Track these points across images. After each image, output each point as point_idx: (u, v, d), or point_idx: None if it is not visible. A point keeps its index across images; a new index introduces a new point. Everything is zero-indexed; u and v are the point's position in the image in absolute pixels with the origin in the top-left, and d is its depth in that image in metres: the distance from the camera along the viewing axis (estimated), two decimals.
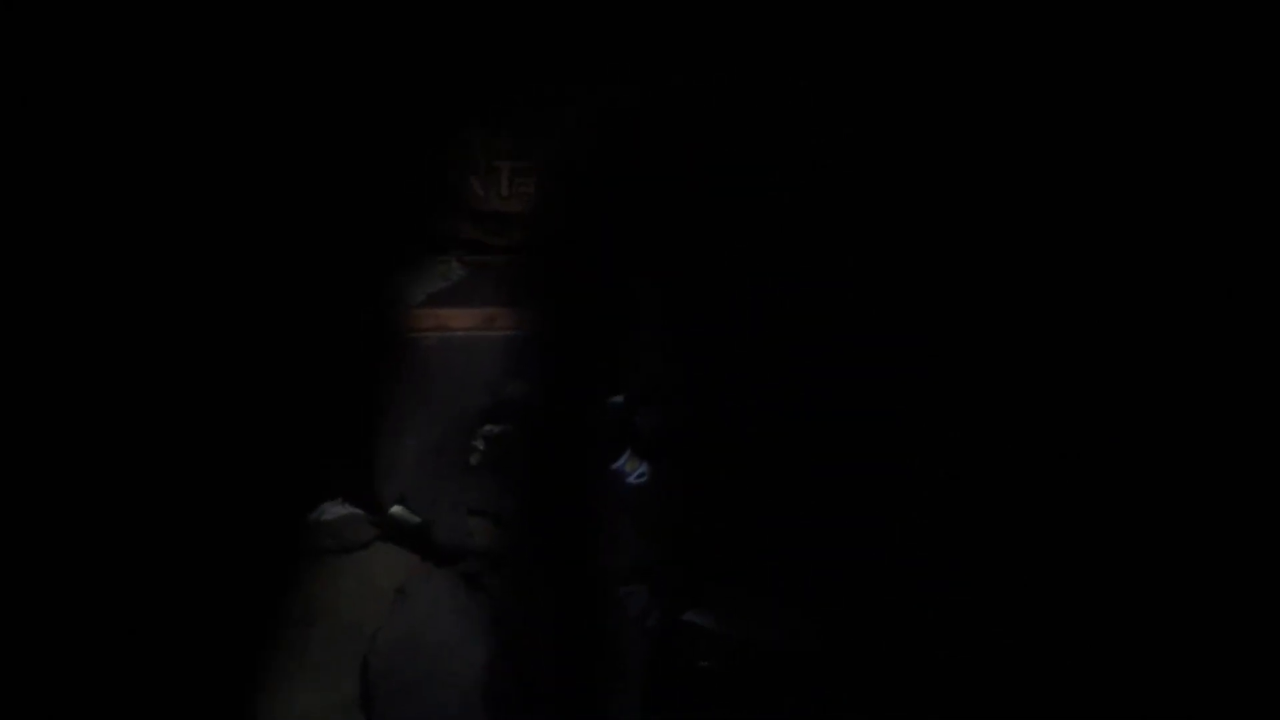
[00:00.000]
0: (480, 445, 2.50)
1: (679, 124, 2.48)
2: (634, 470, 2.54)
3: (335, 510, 2.41)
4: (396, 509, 2.46)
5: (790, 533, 2.46)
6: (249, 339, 2.35)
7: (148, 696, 2.18)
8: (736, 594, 2.52)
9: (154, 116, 2.26)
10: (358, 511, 2.42)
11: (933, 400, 2.42)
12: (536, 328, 2.52)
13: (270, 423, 2.31)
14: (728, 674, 2.45)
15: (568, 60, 2.45)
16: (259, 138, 2.34)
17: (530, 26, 2.44)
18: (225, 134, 2.32)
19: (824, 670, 2.44)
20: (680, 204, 2.48)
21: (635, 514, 2.54)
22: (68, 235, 2.19)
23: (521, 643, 2.43)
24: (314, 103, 2.39)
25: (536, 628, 2.46)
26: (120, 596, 2.20)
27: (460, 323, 2.53)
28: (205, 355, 2.33)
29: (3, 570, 2.11)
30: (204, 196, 2.31)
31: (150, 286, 2.28)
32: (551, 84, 2.45)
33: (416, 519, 2.46)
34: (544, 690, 2.44)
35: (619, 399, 2.59)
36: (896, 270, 2.44)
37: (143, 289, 2.27)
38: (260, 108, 2.34)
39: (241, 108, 2.32)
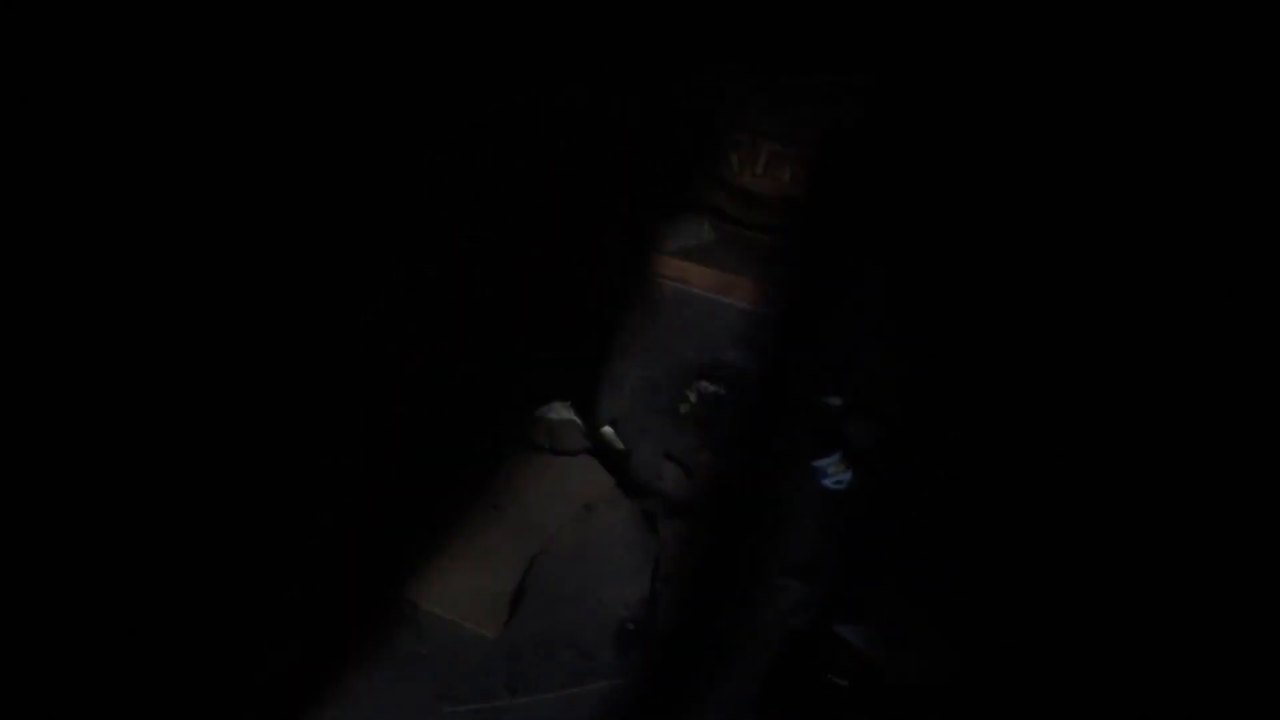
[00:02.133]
0: (692, 398, 2.69)
1: (939, 132, 2.72)
2: (836, 474, 2.61)
3: (558, 412, 2.63)
4: (607, 429, 2.65)
5: (968, 565, 2.45)
6: (518, 251, 2.71)
7: (343, 546, 2.35)
8: (890, 614, 2.44)
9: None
10: (575, 420, 2.63)
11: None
12: (769, 307, 2.72)
13: (518, 321, 2.58)
14: (855, 697, 2.32)
15: (843, 54, 2.75)
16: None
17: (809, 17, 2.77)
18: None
19: (955, 708, 2.30)
20: (929, 214, 2.68)
21: (821, 515, 2.59)
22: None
23: (668, 596, 2.44)
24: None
25: (688, 586, 2.48)
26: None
27: (700, 280, 2.79)
28: (487, 260, 2.70)
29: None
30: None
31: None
32: (826, 76, 2.76)
33: (621, 445, 2.63)
34: (672, 648, 2.40)
35: (836, 400, 2.70)
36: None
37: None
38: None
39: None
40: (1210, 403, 2.49)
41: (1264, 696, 2.12)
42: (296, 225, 2.59)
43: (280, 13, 2.52)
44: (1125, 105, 2.79)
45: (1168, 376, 2.56)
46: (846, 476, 2.61)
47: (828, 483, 2.61)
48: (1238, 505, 2.38)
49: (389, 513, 2.42)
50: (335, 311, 2.63)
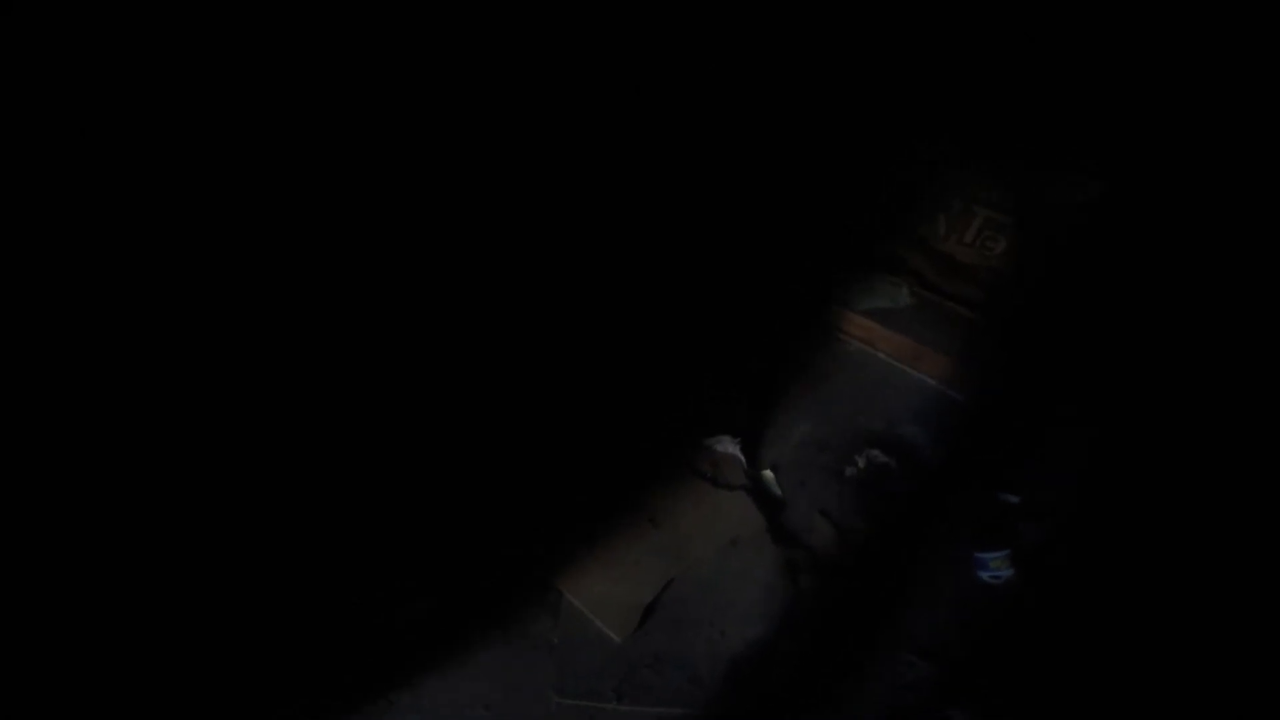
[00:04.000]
0: (861, 463, 2.70)
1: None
2: (997, 569, 2.55)
3: (726, 445, 2.77)
4: (768, 474, 2.75)
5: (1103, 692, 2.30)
6: (711, 284, 2.81)
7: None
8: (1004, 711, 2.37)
9: None
10: (740, 457, 2.75)
11: None
12: (958, 387, 2.66)
13: (702, 353, 2.69)
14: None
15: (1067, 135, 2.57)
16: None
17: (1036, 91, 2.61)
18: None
19: None
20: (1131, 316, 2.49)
21: (969, 606, 2.54)
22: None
23: (792, 645, 2.48)
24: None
25: (811, 641, 2.51)
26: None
27: (888, 345, 2.72)
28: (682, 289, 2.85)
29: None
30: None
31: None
32: (1052, 149, 2.59)
33: (779, 491, 2.71)
34: (780, 697, 2.42)
35: (1013, 499, 2.62)
36: None
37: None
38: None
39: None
40: None
41: None
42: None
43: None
44: None
45: None
46: (1006, 573, 2.54)
47: (985, 575, 2.55)
48: None
49: (553, 505, 2.65)
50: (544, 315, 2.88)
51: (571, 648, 2.41)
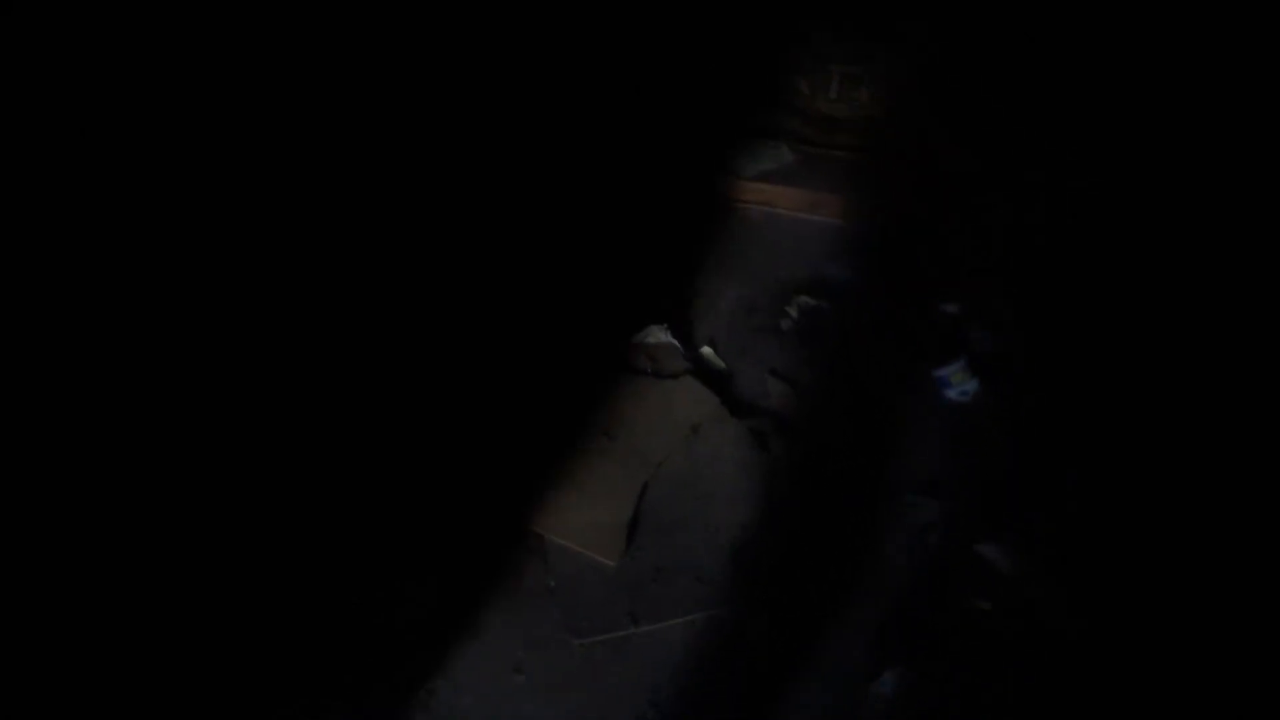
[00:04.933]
0: (793, 313, 2.62)
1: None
2: (960, 384, 2.50)
3: (657, 335, 2.61)
4: (706, 349, 2.62)
5: (1106, 496, 2.30)
6: (603, 184, 2.67)
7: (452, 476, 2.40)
8: (1031, 543, 2.30)
9: None
10: (674, 343, 2.60)
11: None
12: (862, 220, 2.61)
13: (615, 254, 2.54)
14: (998, 623, 2.19)
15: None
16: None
17: None
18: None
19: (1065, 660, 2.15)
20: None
21: (947, 429, 2.49)
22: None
23: (787, 515, 2.39)
24: None
25: (806, 506, 2.43)
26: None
27: (786, 201, 2.71)
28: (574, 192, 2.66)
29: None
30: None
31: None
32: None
33: (722, 364, 2.60)
34: (792, 569, 2.33)
35: (953, 308, 2.57)
36: None
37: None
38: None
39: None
40: None
41: None
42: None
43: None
44: None
45: None
46: (971, 385, 2.49)
47: (951, 394, 2.50)
48: None
49: (511, 450, 2.45)
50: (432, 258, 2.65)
51: (570, 586, 2.24)
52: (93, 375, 2.12)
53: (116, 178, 2.13)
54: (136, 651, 2.03)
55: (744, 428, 2.51)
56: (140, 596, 2.09)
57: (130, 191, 2.17)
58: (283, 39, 2.38)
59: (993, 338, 2.55)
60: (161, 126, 2.20)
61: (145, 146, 2.18)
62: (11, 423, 1.97)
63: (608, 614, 2.20)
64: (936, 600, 2.24)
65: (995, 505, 2.36)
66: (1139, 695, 2.06)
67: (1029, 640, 2.15)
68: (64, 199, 2.05)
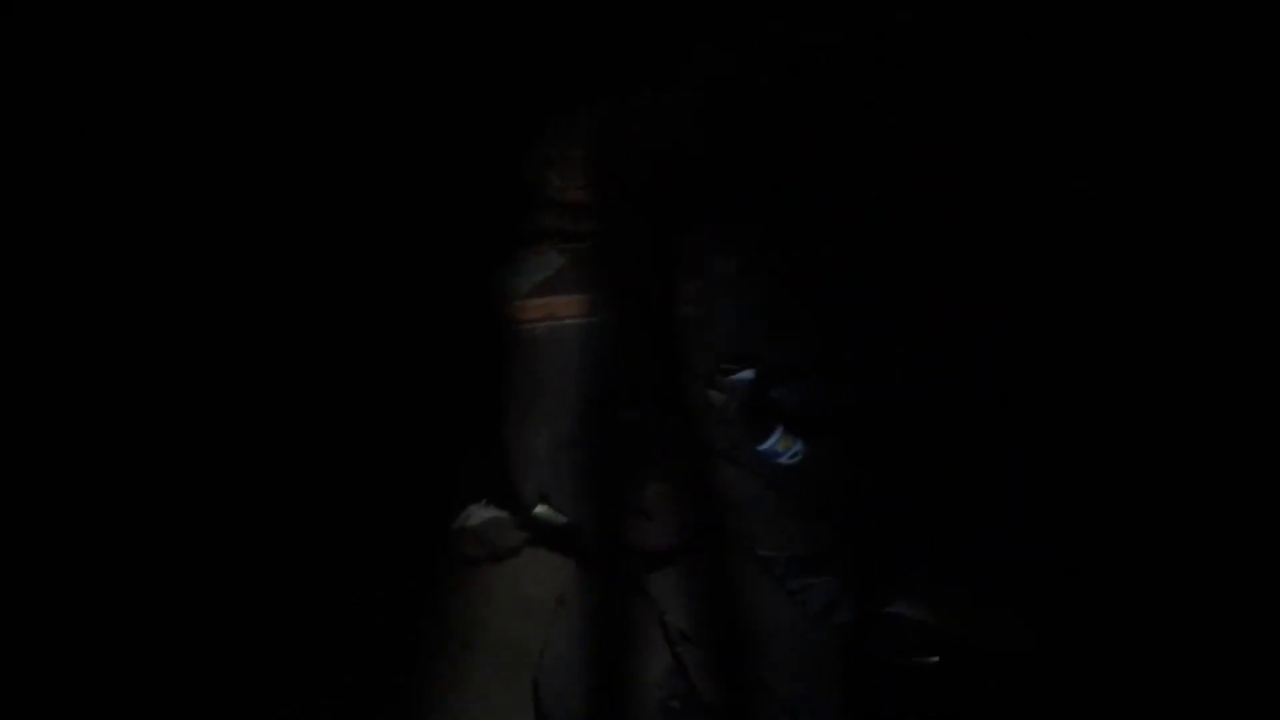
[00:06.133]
0: (611, 434, 2.35)
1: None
2: (787, 449, 2.32)
3: (478, 514, 2.26)
4: (540, 509, 2.30)
5: (983, 515, 2.20)
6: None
7: None
8: (934, 587, 2.21)
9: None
10: (500, 515, 2.27)
11: None
12: (640, 310, 2.42)
13: (403, 425, 2.21)
14: (937, 671, 2.12)
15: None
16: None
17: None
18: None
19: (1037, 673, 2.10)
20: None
21: (795, 498, 2.31)
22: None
23: (695, 649, 2.16)
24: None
25: (709, 631, 2.19)
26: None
27: (568, 310, 2.46)
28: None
29: None
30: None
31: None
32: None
33: (562, 518, 2.29)
34: (725, 699, 2.13)
35: (748, 374, 2.42)
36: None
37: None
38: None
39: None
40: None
41: None
42: None
43: None
44: None
45: None
46: (798, 446, 2.33)
47: (783, 460, 2.33)
48: None
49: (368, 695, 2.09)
50: None
51: None
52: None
53: None
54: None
55: (613, 579, 2.22)
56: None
57: None
58: None
59: (801, 392, 2.42)
60: None
61: None
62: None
63: None
64: (884, 674, 2.12)
65: (881, 557, 2.23)
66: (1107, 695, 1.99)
67: (990, 669, 2.06)
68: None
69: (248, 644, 2.03)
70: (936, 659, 2.11)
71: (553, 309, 2.42)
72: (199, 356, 2.35)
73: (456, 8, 2.61)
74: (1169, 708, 1.97)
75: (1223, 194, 2.23)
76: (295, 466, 2.24)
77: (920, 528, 2.23)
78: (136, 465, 2.19)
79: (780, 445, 2.31)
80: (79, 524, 2.10)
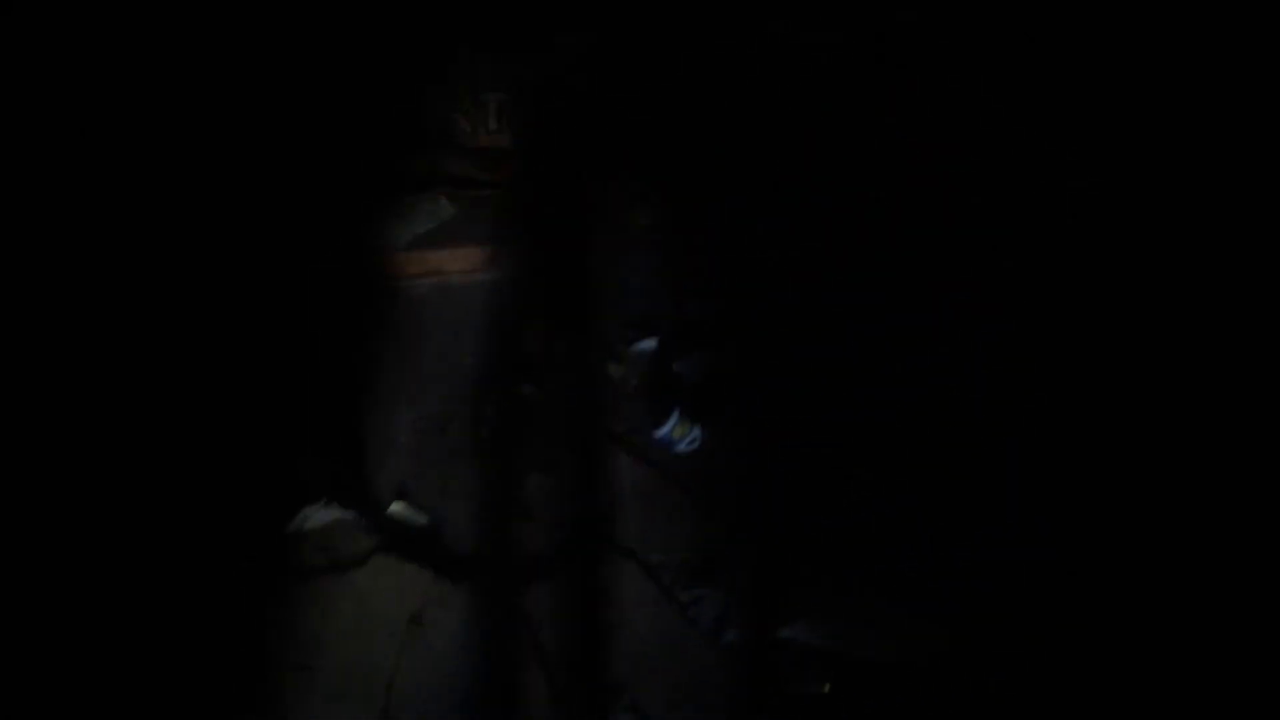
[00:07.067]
0: (491, 413, 1.96)
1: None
2: (684, 436, 2.06)
3: (317, 516, 1.82)
4: (396, 506, 1.89)
5: (892, 514, 2.03)
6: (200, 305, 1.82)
7: None
8: (836, 599, 2.02)
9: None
10: (346, 515, 1.85)
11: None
12: (542, 265, 2.04)
13: (232, 410, 1.74)
14: (839, 698, 1.96)
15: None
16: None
17: None
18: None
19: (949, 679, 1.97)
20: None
21: (691, 492, 2.05)
22: None
23: (569, 671, 1.90)
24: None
25: (585, 648, 1.93)
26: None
27: (455, 264, 2.12)
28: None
29: None
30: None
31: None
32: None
33: (422, 517, 1.89)
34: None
35: (650, 343, 2.11)
36: None
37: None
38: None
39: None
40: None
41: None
42: None
43: None
44: None
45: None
46: (695, 432, 2.08)
47: (680, 448, 2.07)
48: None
49: None
50: None
51: None
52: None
53: None
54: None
55: (476, 588, 1.87)
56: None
57: None
58: None
59: (703, 366, 2.14)
60: None
61: None
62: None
63: None
64: (774, 704, 1.94)
65: (780, 561, 2.02)
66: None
67: (892, 685, 1.93)
68: None
69: (61, 664, 1.72)
70: (828, 688, 1.95)
71: (439, 263, 2.04)
72: None
73: None
74: (1091, 703, 1.90)
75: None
76: (108, 454, 1.81)
77: (823, 523, 2.05)
78: None
79: (676, 432, 2.07)
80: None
